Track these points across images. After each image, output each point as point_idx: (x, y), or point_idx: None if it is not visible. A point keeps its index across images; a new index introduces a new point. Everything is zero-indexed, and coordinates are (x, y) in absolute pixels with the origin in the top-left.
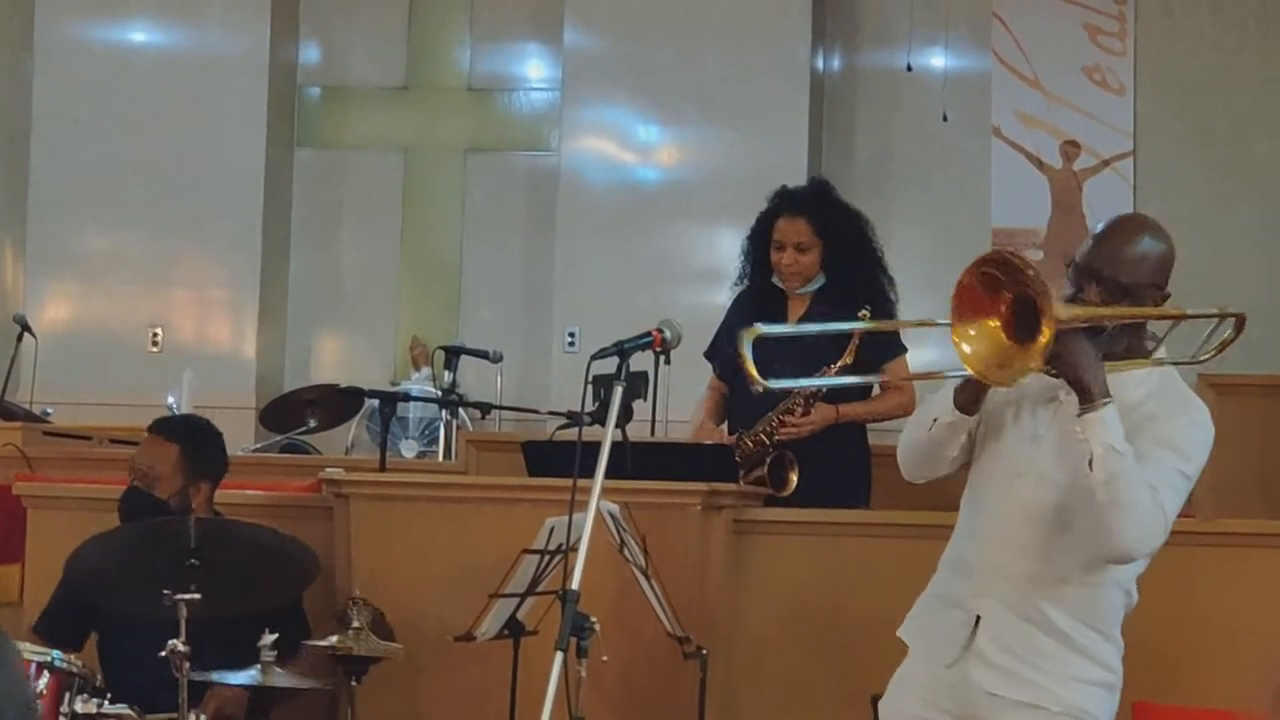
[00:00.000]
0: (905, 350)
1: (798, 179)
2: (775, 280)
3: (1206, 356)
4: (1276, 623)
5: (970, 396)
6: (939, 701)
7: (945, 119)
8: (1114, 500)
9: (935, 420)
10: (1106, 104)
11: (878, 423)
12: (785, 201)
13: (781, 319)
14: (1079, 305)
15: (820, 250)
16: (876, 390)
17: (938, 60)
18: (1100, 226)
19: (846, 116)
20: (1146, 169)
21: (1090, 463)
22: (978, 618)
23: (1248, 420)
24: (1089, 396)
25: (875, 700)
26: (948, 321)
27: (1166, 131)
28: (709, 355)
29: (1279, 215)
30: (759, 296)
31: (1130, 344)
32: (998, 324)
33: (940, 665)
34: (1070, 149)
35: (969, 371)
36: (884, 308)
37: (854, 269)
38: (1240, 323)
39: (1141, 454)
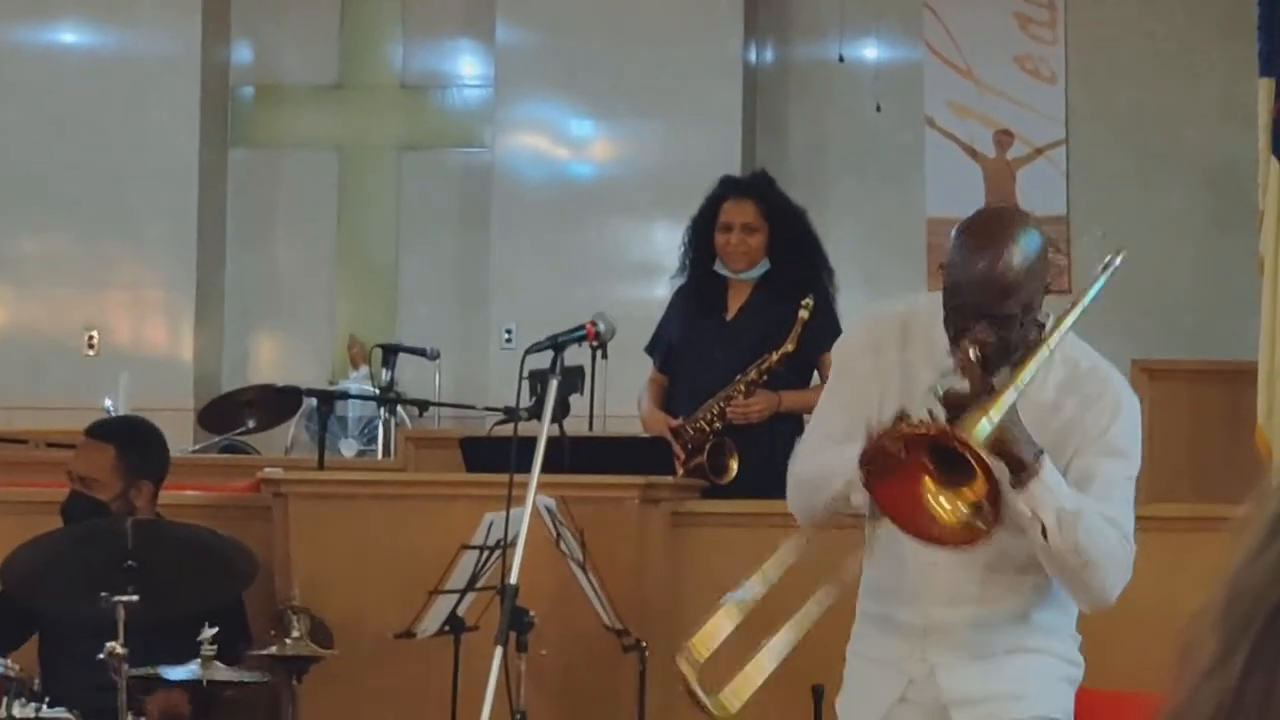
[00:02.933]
0: None
1: (732, 172)
2: (717, 268)
3: (1092, 292)
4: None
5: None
6: None
7: (878, 109)
8: (1085, 564)
9: (837, 494)
10: (1038, 93)
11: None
12: (731, 185)
13: (721, 308)
14: (986, 402)
15: (766, 235)
16: (815, 380)
17: (870, 51)
18: (963, 242)
19: (779, 108)
20: (1079, 157)
21: (1045, 534)
22: (911, 681)
23: (1178, 406)
24: (1021, 466)
25: (816, 691)
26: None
27: (1098, 120)
28: (650, 349)
29: (1209, 203)
30: (700, 286)
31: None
32: (935, 487)
33: None
34: (1003, 138)
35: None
36: (824, 299)
37: (797, 257)
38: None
39: (1087, 471)
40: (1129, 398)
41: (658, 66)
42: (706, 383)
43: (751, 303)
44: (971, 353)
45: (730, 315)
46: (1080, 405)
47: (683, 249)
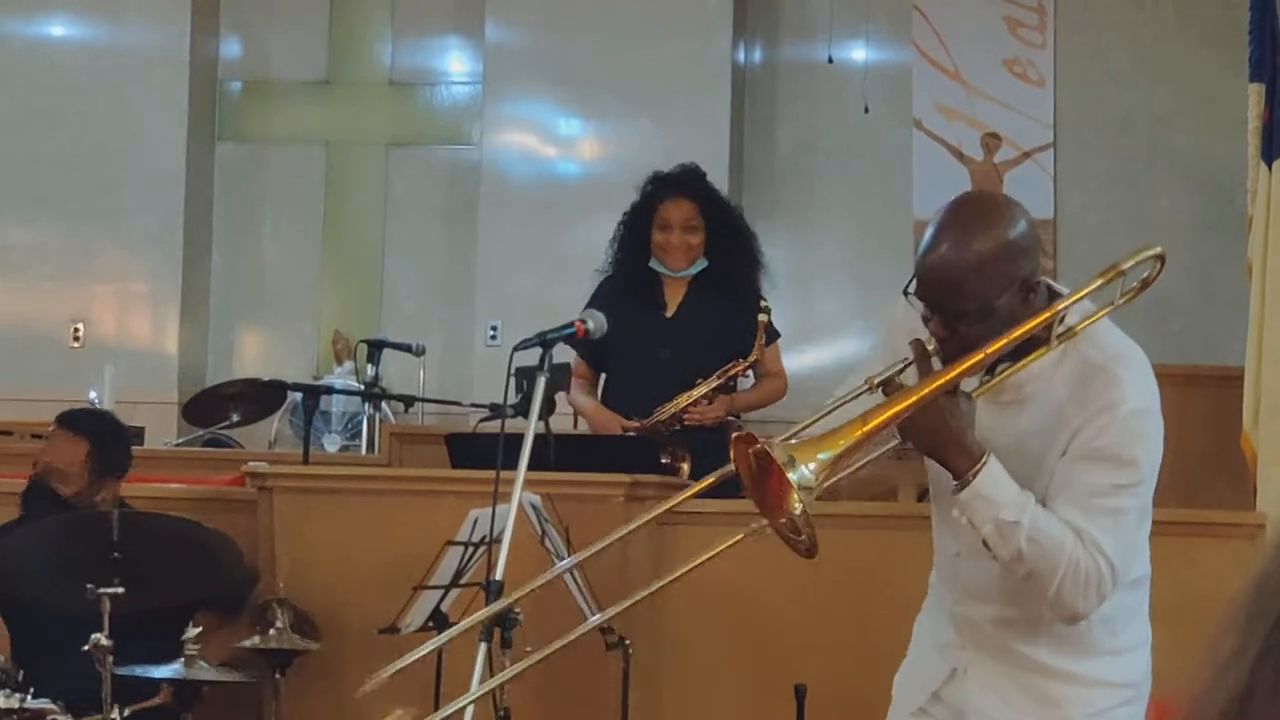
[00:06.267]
0: (779, 335)
1: (719, 172)
2: (653, 264)
3: (1123, 300)
4: (1183, 609)
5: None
6: None
7: (866, 111)
8: (1033, 573)
9: None
10: (1027, 96)
11: (757, 410)
12: (669, 184)
13: (659, 303)
14: (846, 428)
15: (704, 233)
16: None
17: (859, 52)
18: (932, 223)
19: (768, 109)
20: (1067, 161)
21: (986, 544)
22: (955, 670)
23: (1164, 410)
24: (956, 471)
25: (798, 690)
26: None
27: (1086, 124)
28: (575, 344)
29: (1198, 207)
30: (635, 282)
31: (1019, 321)
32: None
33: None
34: (991, 141)
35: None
36: (766, 301)
37: (736, 255)
38: (1161, 259)
39: (1066, 476)
40: (1131, 401)
41: (646, 66)
42: (652, 380)
43: (690, 300)
44: (926, 346)
45: (670, 312)
46: (1077, 405)
47: (615, 244)
